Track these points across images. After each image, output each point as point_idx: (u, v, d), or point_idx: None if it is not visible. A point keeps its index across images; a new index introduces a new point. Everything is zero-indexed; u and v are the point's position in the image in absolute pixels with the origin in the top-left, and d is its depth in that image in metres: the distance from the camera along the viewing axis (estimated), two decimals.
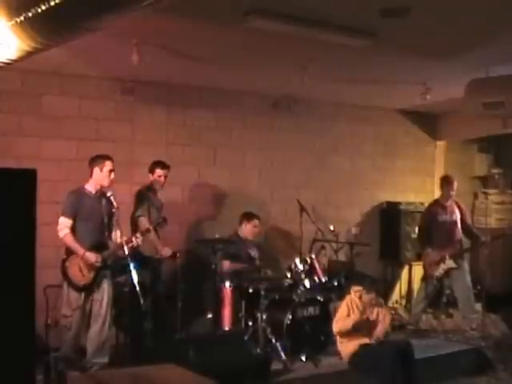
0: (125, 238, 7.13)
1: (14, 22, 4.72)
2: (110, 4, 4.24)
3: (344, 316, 7.20)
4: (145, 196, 8.07)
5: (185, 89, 9.26)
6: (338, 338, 7.36)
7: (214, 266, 8.18)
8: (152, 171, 8.18)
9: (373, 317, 7.27)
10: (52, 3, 4.26)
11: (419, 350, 7.53)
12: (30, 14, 4.53)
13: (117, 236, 7.27)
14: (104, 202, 7.22)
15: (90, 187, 7.22)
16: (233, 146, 9.80)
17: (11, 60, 5.56)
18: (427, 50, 7.15)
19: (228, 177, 9.73)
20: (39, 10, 4.41)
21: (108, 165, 7.19)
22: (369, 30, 6.36)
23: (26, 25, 4.69)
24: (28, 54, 5.37)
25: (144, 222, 7.80)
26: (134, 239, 7.12)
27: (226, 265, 8.55)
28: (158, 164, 8.19)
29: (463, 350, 8.44)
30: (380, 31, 6.36)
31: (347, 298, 7.37)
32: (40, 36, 4.87)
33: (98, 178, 7.19)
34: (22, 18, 4.62)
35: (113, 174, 7.22)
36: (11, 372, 3.65)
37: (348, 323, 7.11)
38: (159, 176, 8.14)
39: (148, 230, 7.49)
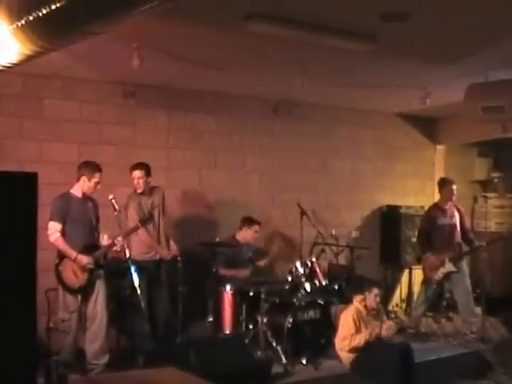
0: (110, 240, 7.21)
1: (14, 25, 4.73)
2: (111, 8, 4.27)
3: (352, 332, 7.19)
4: (131, 199, 8.08)
5: (186, 92, 9.28)
6: (338, 346, 7.38)
7: (214, 270, 8.20)
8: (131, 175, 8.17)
9: (377, 325, 7.32)
10: (53, 7, 4.28)
11: (419, 354, 7.56)
12: (31, 18, 4.54)
13: (104, 238, 7.31)
14: (90, 204, 7.32)
15: (76, 192, 7.27)
16: (233, 150, 9.82)
17: (12, 64, 5.58)
18: (427, 54, 7.16)
19: (229, 180, 9.74)
20: (40, 14, 4.43)
21: (96, 177, 7.25)
22: (369, 35, 6.38)
23: (27, 28, 4.70)
24: (29, 58, 5.38)
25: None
26: (116, 241, 7.17)
27: (223, 272, 8.57)
28: (133, 167, 8.07)
29: (463, 353, 8.44)
30: (380, 35, 6.38)
31: (352, 310, 7.35)
32: (41, 40, 4.89)
33: (85, 186, 7.25)
34: (23, 21, 4.64)
35: (99, 185, 7.29)
36: (12, 375, 3.66)
37: (360, 340, 7.12)
38: (133, 178, 8.04)
39: (137, 228, 7.52)
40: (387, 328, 7.28)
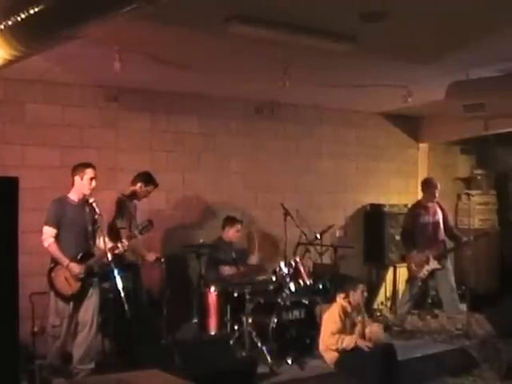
0: (110, 245, 7.08)
1: None
2: (90, 12, 4.27)
3: (339, 327, 7.19)
4: (124, 204, 8.06)
5: (168, 95, 9.29)
6: (323, 345, 7.39)
7: (199, 271, 8.21)
8: (137, 184, 8.22)
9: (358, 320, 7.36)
10: (31, 11, 4.29)
11: (405, 351, 7.59)
12: (10, 23, 4.55)
13: (101, 243, 7.24)
14: (87, 210, 7.14)
15: (73, 196, 7.16)
16: (216, 152, 9.83)
17: None
18: (408, 53, 7.19)
19: (212, 182, 9.75)
20: (19, 19, 4.44)
21: (88, 173, 7.10)
22: (349, 35, 6.40)
23: (7, 33, 4.71)
24: (9, 63, 5.39)
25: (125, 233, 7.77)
26: (119, 245, 7.12)
27: (227, 270, 8.58)
28: (149, 182, 8.28)
29: (448, 350, 8.48)
30: (360, 35, 6.40)
31: (337, 307, 7.35)
32: (20, 44, 4.90)
33: (79, 186, 7.10)
34: (1, 26, 4.64)
35: (94, 181, 7.11)
36: None
37: (350, 343, 7.10)
38: (142, 190, 8.24)
39: (134, 236, 7.44)
40: (376, 332, 7.32)
